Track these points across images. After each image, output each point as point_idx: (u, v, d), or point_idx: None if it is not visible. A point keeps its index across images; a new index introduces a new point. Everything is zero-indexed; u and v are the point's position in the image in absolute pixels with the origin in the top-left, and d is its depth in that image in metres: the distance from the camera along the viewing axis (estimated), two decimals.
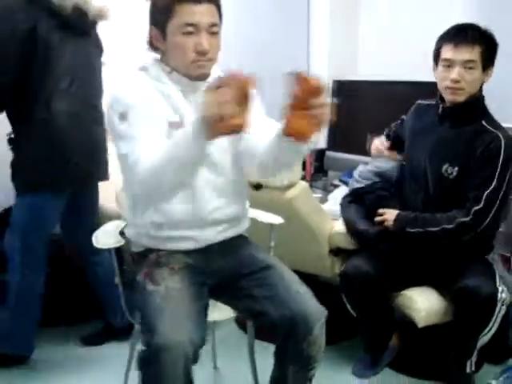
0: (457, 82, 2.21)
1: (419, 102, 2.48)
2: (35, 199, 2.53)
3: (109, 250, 2.09)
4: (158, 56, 1.85)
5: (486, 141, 2.21)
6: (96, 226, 2.76)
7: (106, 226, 2.16)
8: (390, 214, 2.34)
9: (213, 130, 1.50)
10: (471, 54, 2.19)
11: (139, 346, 1.73)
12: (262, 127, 1.84)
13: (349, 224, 2.52)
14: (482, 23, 2.25)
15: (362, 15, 3.65)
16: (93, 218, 2.79)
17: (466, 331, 2.24)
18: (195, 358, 1.67)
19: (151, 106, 1.75)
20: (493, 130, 2.23)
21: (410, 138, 2.45)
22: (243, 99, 1.50)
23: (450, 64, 2.22)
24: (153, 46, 1.83)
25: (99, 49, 2.72)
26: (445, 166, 2.28)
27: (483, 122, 2.26)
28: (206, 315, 1.85)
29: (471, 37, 2.20)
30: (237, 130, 1.51)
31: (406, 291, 2.35)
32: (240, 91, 1.49)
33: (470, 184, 2.22)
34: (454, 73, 2.21)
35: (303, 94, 1.55)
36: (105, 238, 2.07)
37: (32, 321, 2.66)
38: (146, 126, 1.69)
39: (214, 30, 1.75)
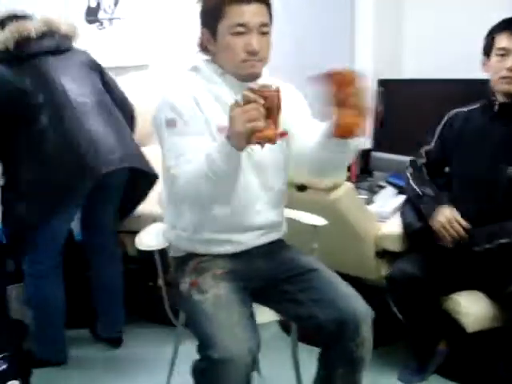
0: None
1: (455, 110, 2.43)
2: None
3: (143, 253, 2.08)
4: (208, 58, 1.84)
5: None
6: (115, 226, 2.84)
7: (149, 227, 2.16)
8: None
9: (244, 145, 1.52)
10: None
11: (185, 350, 1.71)
12: (310, 128, 1.83)
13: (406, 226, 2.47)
14: None
15: (407, 12, 3.58)
16: (112, 217, 2.82)
17: None
18: (254, 366, 1.67)
19: (201, 111, 1.75)
20: None
21: (458, 148, 2.37)
22: (272, 112, 1.51)
23: (505, 53, 2.19)
24: (204, 47, 1.82)
25: (80, 60, 2.69)
26: (510, 168, 2.21)
27: None
28: (255, 320, 1.82)
29: None
30: (268, 141, 1.52)
31: (455, 295, 2.30)
32: (268, 103, 1.50)
33: None
34: (510, 61, 2.17)
35: (339, 90, 1.53)
36: (148, 240, 2.07)
37: (56, 329, 2.69)
38: (193, 135, 1.70)
39: (264, 30, 1.73)
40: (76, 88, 2.56)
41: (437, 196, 2.35)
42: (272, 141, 1.52)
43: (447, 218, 2.25)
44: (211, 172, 1.58)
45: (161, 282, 2.13)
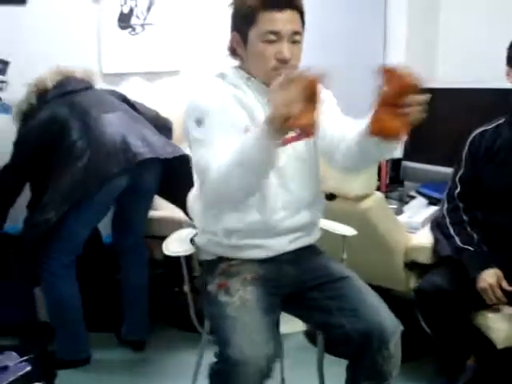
0: None
1: (479, 130, 2.38)
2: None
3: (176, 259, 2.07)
4: (236, 63, 1.84)
5: None
6: (145, 230, 2.86)
7: (176, 233, 2.16)
8: None
9: (280, 131, 1.48)
10: None
11: (209, 357, 1.70)
12: (341, 124, 1.79)
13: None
14: None
15: (442, 19, 3.54)
16: (143, 220, 2.85)
17: None
18: (269, 373, 1.64)
19: (227, 112, 1.74)
20: None
21: (491, 166, 2.32)
22: (311, 98, 1.45)
23: None
24: (233, 51, 1.82)
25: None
26: None
27: None
28: (278, 328, 1.81)
29: None
30: (305, 129, 1.47)
31: (485, 310, 2.24)
32: (307, 90, 1.45)
33: None
34: None
35: (395, 92, 1.46)
36: (175, 245, 2.06)
37: (75, 328, 2.71)
38: (221, 132, 1.68)
39: (296, 39, 1.72)
40: (100, 103, 2.68)
41: (478, 253, 2.26)
42: (308, 130, 1.48)
43: (490, 284, 2.17)
44: (244, 162, 1.54)
45: (186, 288, 2.12)
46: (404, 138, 1.52)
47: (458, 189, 2.40)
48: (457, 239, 2.30)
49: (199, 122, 1.71)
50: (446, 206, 2.42)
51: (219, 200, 1.73)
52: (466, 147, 2.40)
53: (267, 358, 1.61)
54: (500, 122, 2.34)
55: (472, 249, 2.26)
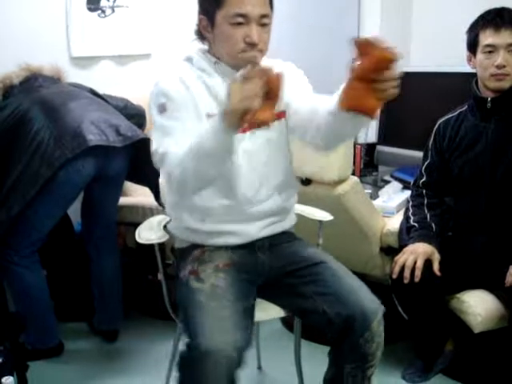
0: (503, 66, 2.14)
1: (444, 118, 2.40)
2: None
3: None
4: (204, 47, 1.80)
5: None
6: (115, 218, 2.80)
7: (148, 220, 2.12)
8: None
9: (237, 123, 1.47)
10: None
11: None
12: (312, 102, 1.76)
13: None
14: None
15: (415, 5, 3.54)
16: (112, 208, 2.79)
17: None
18: (240, 362, 1.61)
19: (192, 98, 1.72)
20: None
21: (456, 153, 2.33)
22: (271, 94, 1.45)
23: (492, 49, 2.16)
24: (201, 35, 1.78)
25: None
26: None
27: None
28: (252, 315, 1.79)
29: (510, 19, 2.13)
30: (262, 124, 1.47)
31: (461, 295, 2.24)
32: (268, 86, 1.44)
33: None
34: (499, 58, 2.14)
35: (371, 66, 1.42)
36: (147, 233, 2.03)
37: (42, 316, 2.66)
38: (183, 119, 1.68)
39: (264, 22, 1.68)
40: (64, 93, 2.62)
41: (423, 234, 2.27)
42: (266, 124, 1.48)
43: (412, 258, 2.16)
44: (201, 151, 1.54)
45: (160, 275, 2.08)
46: (377, 115, 1.50)
47: (424, 178, 2.43)
48: (411, 219, 2.34)
49: (162, 109, 1.69)
50: (411, 193, 2.47)
51: (179, 187, 1.70)
52: (432, 137, 2.42)
53: (237, 346, 1.59)
54: (462, 109, 2.36)
55: (418, 226, 2.29)
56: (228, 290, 1.74)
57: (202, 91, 1.75)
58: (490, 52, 2.16)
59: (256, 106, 1.44)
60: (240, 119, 1.46)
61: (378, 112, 1.50)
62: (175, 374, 1.70)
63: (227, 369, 1.58)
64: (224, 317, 1.64)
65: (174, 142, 1.64)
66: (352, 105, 1.48)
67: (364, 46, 1.43)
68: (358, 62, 1.44)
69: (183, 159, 1.58)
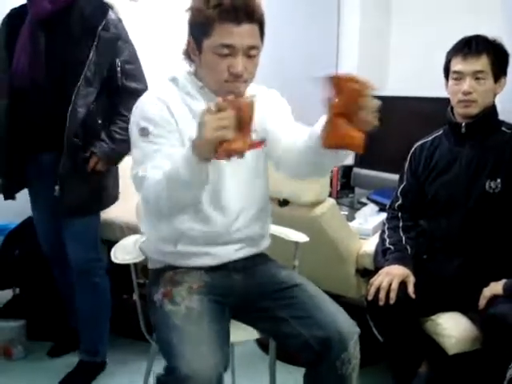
0: (468, 93, 2.19)
1: (419, 143, 2.44)
2: None
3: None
4: (190, 69, 1.79)
5: None
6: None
7: (124, 240, 2.11)
8: (495, 288, 2.15)
9: (210, 154, 1.46)
10: (479, 63, 2.18)
11: (159, 367, 1.66)
12: (293, 132, 1.77)
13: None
14: None
15: (393, 30, 3.59)
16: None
17: (494, 360, 2.12)
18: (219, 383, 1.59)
19: (175, 123, 1.71)
20: None
21: (430, 176, 2.36)
22: (244, 123, 1.45)
23: (460, 76, 2.21)
24: (188, 56, 1.77)
25: None
26: (487, 183, 2.22)
27: (503, 128, 2.27)
28: (228, 336, 1.77)
29: (478, 47, 2.19)
30: (236, 154, 1.46)
31: (436, 317, 2.25)
32: (241, 115, 1.44)
33: None
34: (465, 85, 2.19)
35: (346, 100, 1.44)
36: (123, 253, 2.01)
37: None
38: (164, 145, 1.66)
39: (251, 53, 1.66)
40: None
41: (398, 256, 2.29)
42: (240, 154, 1.47)
43: (388, 279, 2.17)
44: (175, 178, 1.54)
45: (136, 295, 2.06)
46: (358, 149, 1.50)
47: (399, 201, 2.45)
48: (387, 241, 2.36)
49: (144, 133, 1.68)
50: (386, 215, 2.50)
51: (155, 211, 1.71)
52: (407, 160, 2.46)
53: (216, 369, 1.57)
54: (438, 134, 2.40)
55: (393, 248, 2.31)
56: (203, 312, 1.73)
57: (186, 114, 1.73)
58: (458, 79, 2.21)
59: (229, 136, 1.43)
60: (213, 150, 1.45)
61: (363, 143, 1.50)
62: None
63: None
64: (202, 340, 1.63)
65: (152, 167, 1.62)
66: (336, 143, 1.49)
67: (338, 83, 1.45)
68: (335, 100, 1.46)
69: (157, 185, 1.58)
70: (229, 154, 1.45)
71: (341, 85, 1.44)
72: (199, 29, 1.66)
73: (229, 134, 1.43)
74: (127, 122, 2.31)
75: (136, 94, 2.31)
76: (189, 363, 1.55)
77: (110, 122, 2.48)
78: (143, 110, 1.72)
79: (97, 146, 2.44)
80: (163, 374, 1.62)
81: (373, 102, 1.45)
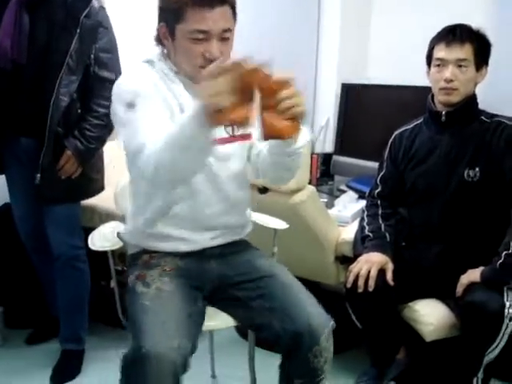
0: (450, 81, 2.19)
1: (399, 130, 2.45)
2: None
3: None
4: (164, 52, 1.76)
5: (498, 131, 2.21)
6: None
7: (102, 227, 2.09)
8: (473, 275, 2.16)
9: (212, 120, 1.38)
10: (463, 52, 2.19)
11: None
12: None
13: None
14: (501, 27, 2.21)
15: (373, 18, 3.59)
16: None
17: (472, 347, 2.15)
18: (185, 366, 1.57)
19: (159, 92, 1.68)
20: (497, 120, 2.24)
21: (410, 164, 2.38)
22: (247, 90, 1.35)
23: (442, 63, 2.21)
24: (160, 41, 1.74)
25: None
26: (466, 171, 2.23)
27: (482, 118, 2.27)
28: (199, 320, 1.76)
29: (462, 35, 2.19)
30: (237, 124, 1.39)
31: (413, 304, 2.27)
32: (242, 81, 1.35)
33: (501, 179, 2.19)
34: (448, 72, 2.19)
35: (265, 92, 1.38)
36: (101, 240, 2.00)
37: None
38: (154, 111, 1.62)
39: (225, 36, 1.65)
40: None
41: (377, 244, 2.30)
42: (241, 124, 1.38)
43: (366, 267, 2.19)
44: (180, 137, 1.44)
45: (113, 283, 2.05)
46: (299, 132, 1.47)
47: (379, 188, 2.46)
48: (366, 228, 2.37)
49: (131, 105, 1.63)
50: (366, 203, 2.51)
51: (153, 180, 1.58)
52: (387, 148, 2.46)
53: (180, 349, 1.55)
54: (418, 122, 2.41)
55: (372, 235, 2.33)
56: (173, 293, 1.72)
57: (166, 93, 1.70)
58: (440, 66, 2.21)
59: (224, 103, 1.33)
60: (212, 117, 1.37)
61: (303, 131, 1.49)
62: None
63: (170, 373, 1.54)
64: (168, 320, 1.62)
65: (149, 133, 1.54)
66: (268, 132, 1.43)
67: (244, 77, 1.36)
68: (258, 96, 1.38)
69: (160, 150, 1.47)
70: (231, 123, 1.39)
71: (248, 78, 1.36)
72: (171, 14, 1.64)
73: (224, 101, 1.34)
74: (98, 117, 2.29)
75: (105, 83, 2.28)
76: (152, 342, 1.54)
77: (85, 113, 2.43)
78: (126, 85, 1.69)
79: (70, 142, 2.39)
80: (128, 352, 1.59)
81: (292, 90, 1.41)
